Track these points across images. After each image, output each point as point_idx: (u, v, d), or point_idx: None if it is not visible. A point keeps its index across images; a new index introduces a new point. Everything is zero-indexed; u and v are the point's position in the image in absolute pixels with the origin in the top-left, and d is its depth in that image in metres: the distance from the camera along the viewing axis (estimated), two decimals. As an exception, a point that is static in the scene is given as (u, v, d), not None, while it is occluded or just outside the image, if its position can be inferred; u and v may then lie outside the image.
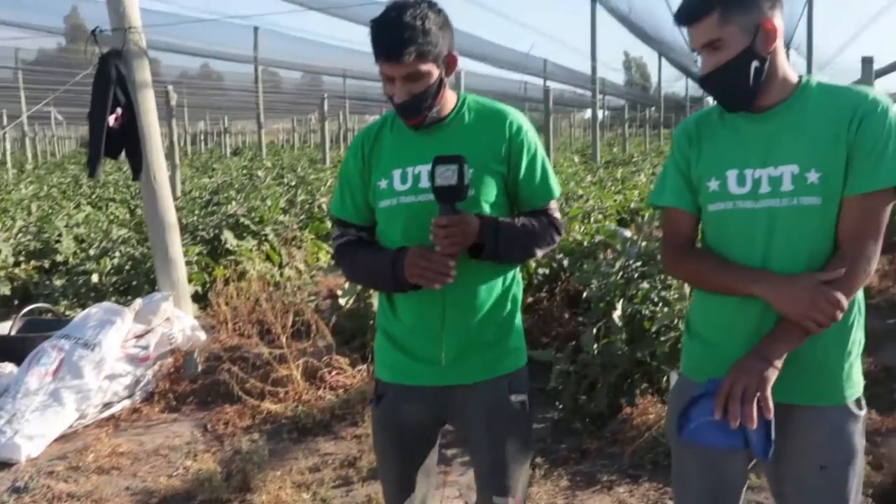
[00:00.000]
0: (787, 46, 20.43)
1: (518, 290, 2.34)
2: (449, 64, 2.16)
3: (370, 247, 2.30)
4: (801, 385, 1.89)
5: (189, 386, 5.07)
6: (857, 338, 1.98)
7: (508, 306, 2.29)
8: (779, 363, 1.82)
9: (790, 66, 1.96)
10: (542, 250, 2.37)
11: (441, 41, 2.09)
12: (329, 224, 9.36)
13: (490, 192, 2.19)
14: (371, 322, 5.08)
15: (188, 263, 6.37)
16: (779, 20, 1.89)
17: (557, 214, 2.33)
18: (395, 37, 2.03)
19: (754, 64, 1.87)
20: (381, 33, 2.06)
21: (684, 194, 2.08)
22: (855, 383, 1.97)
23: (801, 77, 1.97)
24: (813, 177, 1.86)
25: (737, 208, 1.94)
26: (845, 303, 1.79)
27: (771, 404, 1.78)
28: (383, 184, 2.22)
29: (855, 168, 1.84)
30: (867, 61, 7.48)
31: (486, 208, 2.17)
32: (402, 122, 2.21)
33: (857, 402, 1.98)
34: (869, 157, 1.83)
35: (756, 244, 1.92)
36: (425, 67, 2.06)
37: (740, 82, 1.89)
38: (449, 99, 2.23)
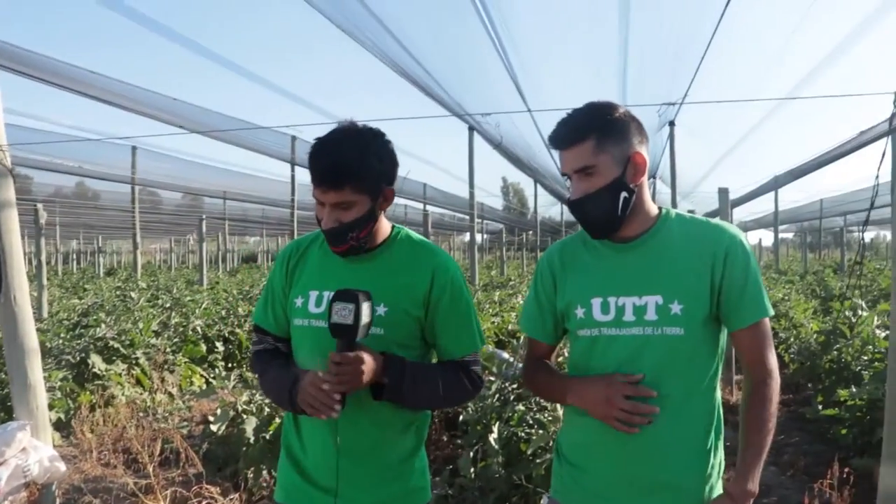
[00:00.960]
0: (653, 177, 21.64)
1: (424, 425, 2.25)
2: (386, 197, 2.09)
3: (285, 358, 2.23)
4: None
5: (44, 522, 4.72)
6: (717, 460, 2.03)
7: (410, 444, 2.20)
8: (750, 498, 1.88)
9: (651, 200, 2.04)
10: (452, 403, 2.29)
11: (379, 174, 2.02)
12: (203, 348, 9.16)
13: (401, 334, 2.11)
14: (244, 448, 4.92)
15: (51, 389, 6.05)
16: (646, 155, 1.99)
17: (478, 367, 2.24)
18: (330, 163, 1.95)
19: (623, 194, 1.94)
20: (319, 156, 1.97)
21: (537, 325, 2.16)
22: (716, 505, 2.01)
23: (661, 209, 2.06)
24: (676, 308, 1.92)
25: (602, 335, 1.99)
26: (649, 392, 1.89)
27: None
28: (299, 302, 2.17)
29: (733, 305, 1.95)
30: (723, 191, 8.08)
31: (395, 349, 2.08)
32: None
33: (721, 523, 2.01)
34: (743, 293, 1.94)
35: (621, 370, 1.95)
36: (357, 198, 2.00)
37: (608, 210, 1.94)
38: (382, 229, 2.16)
